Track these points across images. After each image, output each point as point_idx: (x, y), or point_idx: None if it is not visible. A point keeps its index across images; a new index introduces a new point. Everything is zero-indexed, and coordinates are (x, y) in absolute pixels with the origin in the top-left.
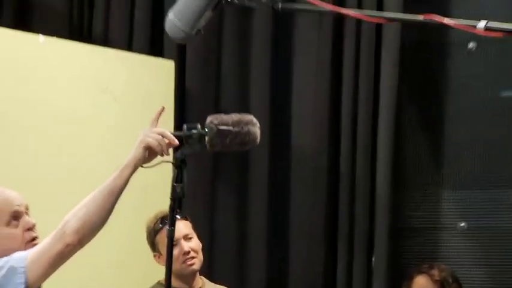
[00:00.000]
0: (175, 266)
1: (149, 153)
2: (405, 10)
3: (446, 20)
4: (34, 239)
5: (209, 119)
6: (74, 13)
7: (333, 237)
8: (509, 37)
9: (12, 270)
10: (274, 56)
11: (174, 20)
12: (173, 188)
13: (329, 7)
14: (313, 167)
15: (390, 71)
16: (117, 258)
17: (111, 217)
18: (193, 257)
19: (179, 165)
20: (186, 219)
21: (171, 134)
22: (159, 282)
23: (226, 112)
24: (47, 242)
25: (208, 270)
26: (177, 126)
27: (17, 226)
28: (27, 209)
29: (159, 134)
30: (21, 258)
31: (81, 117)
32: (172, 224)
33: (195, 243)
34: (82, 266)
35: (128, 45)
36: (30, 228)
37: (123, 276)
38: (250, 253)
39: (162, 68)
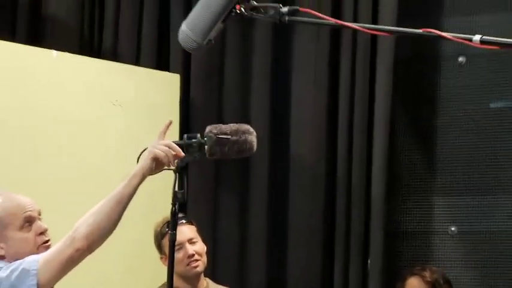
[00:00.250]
0: (181, 268)
1: (157, 164)
2: (399, 22)
3: (444, 34)
4: (46, 242)
5: (208, 128)
6: (84, 29)
7: (330, 240)
8: (496, 52)
9: (25, 273)
10: (274, 67)
11: (187, 31)
12: (174, 194)
13: (333, 21)
14: (311, 174)
15: (385, 82)
16: (125, 260)
17: (124, 220)
18: (197, 260)
19: (180, 172)
20: (191, 224)
21: (173, 142)
22: (165, 284)
23: (229, 122)
24: (58, 246)
25: (211, 272)
26: (183, 135)
27: (29, 230)
28: (39, 214)
29: (166, 145)
30: (34, 261)
31: (92, 127)
32: (174, 228)
33: (200, 247)
34: (92, 267)
35: (136, 60)
36: (42, 233)
37: (131, 277)
38: (250, 256)
39: (168, 81)
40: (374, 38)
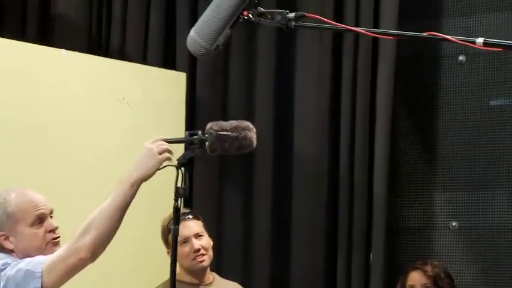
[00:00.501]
0: (187, 262)
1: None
2: (399, 22)
3: (448, 37)
4: (55, 239)
5: (209, 125)
6: (92, 29)
7: (333, 236)
8: (495, 52)
9: (30, 274)
10: (278, 68)
11: (195, 37)
12: (176, 190)
13: (339, 25)
14: (314, 171)
15: (386, 81)
16: (131, 255)
17: (127, 217)
18: (203, 254)
19: (182, 169)
20: (198, 219)
21: (174, 139)
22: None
23: (233, 120)
24: (62, 253)
25: (216, 268)
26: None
27: (40, 227)
28: (51, 212)
29: (163, 145)
30: (39, 263)
31: (100, 125)
32: (177, 223)
33: (206, 241)
34: (98, 263)
35: (143, 59)
36: (53, 230)
37: (136, 272)
38: (255, 252)
39: (175, 80)
40: (375, 40)
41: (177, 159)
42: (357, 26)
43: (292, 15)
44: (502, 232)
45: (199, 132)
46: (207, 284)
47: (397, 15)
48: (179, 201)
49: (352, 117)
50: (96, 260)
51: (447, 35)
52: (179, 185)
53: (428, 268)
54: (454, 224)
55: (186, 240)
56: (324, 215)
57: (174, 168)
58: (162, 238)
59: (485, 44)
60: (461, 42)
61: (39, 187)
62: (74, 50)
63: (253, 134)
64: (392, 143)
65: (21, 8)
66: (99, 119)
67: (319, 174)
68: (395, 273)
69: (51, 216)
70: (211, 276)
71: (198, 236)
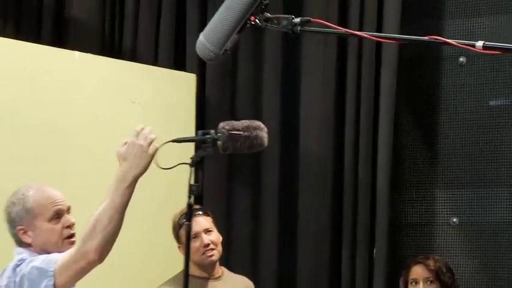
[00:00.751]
0: (197, 256)
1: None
2: (402, 25)
3: (449, 41)
4: (71, 236)
5: (221, 124)
6: (105, 31)
7: (338, 232)
8: (495, 54)
9: (43, 272)
10: (284, 71)
11: (204, 41)
12: (190, 187)
13: (343, 30)
14: (320, 169)
15: (389, 82)
16: (142, 249)
17: (141, 213)
18: (212, 249)
19: (195, 166)
20: (208, 215)
21: (188, 138)
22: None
23: (241, 120)
24: (72, 255)
25: (225, 263)
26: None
27: (57, 223)
28: (69, 209)
29: (142, 134)
30: (52, 261)
31: (112, 125)
32: (189, 219)
33: (215, 237)
34: (113, 257)
35: (154, 60)
36: (69, 226)
37: (149, 265)
38: (262, 248)
39: (185, 81)
40: (379, 43)
41: (191, 158)
42: (360, 28)
43: (297, 20)
44: (501, 228)
45: (212, 131)
46: (216, 278)
47: (399, 17)
48: (192, 198)
49: (356, 118)
50: (117, 252)
51: (449, 36)
52: (192, 182)
53: (431, 262)
54: (454, 220)
55: (196, 236)
56: (329, 212)
57: (181, 165)
58: (173, 233)
59: (484, 47)
60: (461, 45)
61: (53, 183)
62: (87, 52)
63: (264, 134)
64: (395, 143)
65: (37, 11)
66: (111, 119)
67: (324, 173)
68: (398, 268)
69: (68, 213)
70: (220, 270)
71: (207, 231)
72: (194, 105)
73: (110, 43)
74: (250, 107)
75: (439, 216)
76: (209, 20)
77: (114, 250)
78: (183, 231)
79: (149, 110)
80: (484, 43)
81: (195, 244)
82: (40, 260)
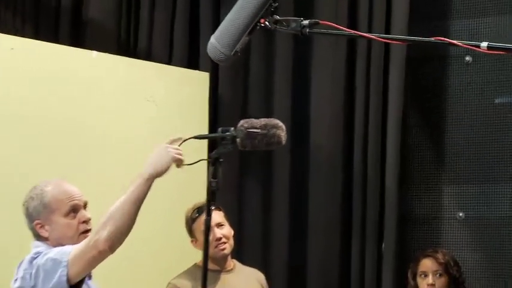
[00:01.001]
0: (209, 250)
1: (177, 165)
2: (410, 24)
3: (454, 41)
4: (87, 231)
5: (241, 122)
6: (121, 32)
7: (348, 227)
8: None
9: (57, 263)
10: (295, 70)
11: (216, 43)
12: (209, 183)
13: (351, 31)
14: (330, 167)
15: (397, 80)
16: (159, 243)
17: (155, 209)
18: (224, 242)
19: (214, 163)
20: (220, 210)
21: (209, 135)
22: (195, 265)
23: (253, 117)
24: (84, 245)
25: (238, 257)
26: (211, 129)
27: (74, 218)
28: (85, 204)
29: (175, 146)
30: (65, 253)
31: (128, 122)
32: (209, 214)
33: (227, 231)
34: (129, 250)
35: (169, 60)
36: (85, 221)
37: (165, 258)
38: (274, 242)
39: (198, 80)
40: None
41: (210, 155)
42: (369, 28)
43: (306, 22)
44: (505, 223)
45: (232, 128)
46: (228, 271)
47: (407, 17)
48: (211, 194)
49: (365, 115)
50: (132, 245)
51: (455, 36)
52: (211, 179)
53: (440, 256)
54: (460, 214)
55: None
56: (339, 207)
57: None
58: (186, 227)
59: (489, 47)
60: (466, 46)
61: (73, 178)
62: (104, 52)
63: (281, 132)
64: (403, 140)
65: (55, 12)
66: (127, 116)
67: (334, 169)
68: (405, 261)
69: (85, 208)
70: (232, 263)
71: (219, 225)
72: (207, 103)
73: (126, 43)
74: (261, 104)
75: (446, 211)
76: (222, 21)
77: (130, 243)
78: (195, 225)
79: (163, 107)
80: (488, 44)
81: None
82: (55, 252)
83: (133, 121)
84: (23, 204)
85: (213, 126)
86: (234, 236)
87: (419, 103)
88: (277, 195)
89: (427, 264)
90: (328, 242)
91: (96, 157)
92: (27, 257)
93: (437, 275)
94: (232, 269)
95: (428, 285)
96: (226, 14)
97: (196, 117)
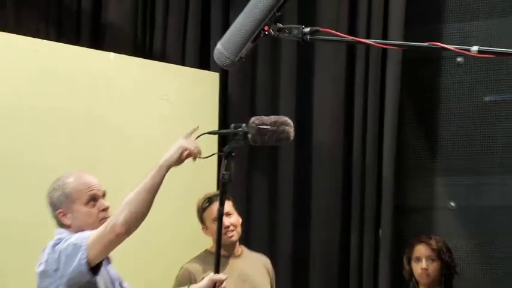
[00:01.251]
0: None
1: (186, 156)
2: (406, 29)
3: (446, 46)
4: (106, 218)
5: (252, 119)
6: (138, 34)
7: (347, 215)
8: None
9: (77, 248)
10: (299, 71)
11: (221, 49)
12: (222, 175)
13: (350, 38)
14: (331, 161)
15: (393, 81)
16: (173, 230)
17: (170, 197)
18: (232, 230)
19: (227, 156)
20: (228, 199)
21: (222, 131)
22: (206, 250)
23: (259, 114)
24: (102, 229)
25: (245, 242)
26: (221, 126)
27: (93, 206)
28: (104, 194)
29: (196, 143)
30: (84, 238)
31: (143, 119)
32: (222, 204)
33: (235, 219)
34: (145, 236)
35: (182, 61)
36: (104, 210)
37: (178, 244)
38: (279, 230)
39: (209, 79)
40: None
41: (223, 149)
42: (368, 34)
43: (307, 29)
44: (494, 212)
45: (243, 125)
46: (237, 256)
47: (403, 21)
48: (223, 185)
49: (364, 112)
50: (142, 234)
51: (449, 39)
52: (224, 171)
53: (433, 242)
54: (452, 204)
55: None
56: (339, 197)
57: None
58: (198, 216)
59: (479, 51)
60: (457, 50)
61: (92, 172)
62: (121, 53)
63: (290, 128)
64: (399, 134)
65: (76, 16)
66: (142, 114)
67: (335, 164)
68: (400, 247)
69: (103, 197)
70: (240, 249)
71: (227, 214)
72: (217, 101)
73: (142, 45)
74: (268, 103)
75: (438, 201)
76: (231, 24)
77: (146, 230)
78: (206, 214)
79: (176, 105)
80: (479, 48)
81: (216, 226)
82: (75, 237)
83: (148, 118)
84: (47, 195)
85: (223, 123)
86: (242, 225)
87: (414, 100)
88: (283, 188)
89: (421, 249)
90: (329, 230)
91: (114, 152)
92: (51, 243)
93: (431, 260)
94: (240, 255)
95: (422, 269)
96: (235, 17)
97: (207, 114)
